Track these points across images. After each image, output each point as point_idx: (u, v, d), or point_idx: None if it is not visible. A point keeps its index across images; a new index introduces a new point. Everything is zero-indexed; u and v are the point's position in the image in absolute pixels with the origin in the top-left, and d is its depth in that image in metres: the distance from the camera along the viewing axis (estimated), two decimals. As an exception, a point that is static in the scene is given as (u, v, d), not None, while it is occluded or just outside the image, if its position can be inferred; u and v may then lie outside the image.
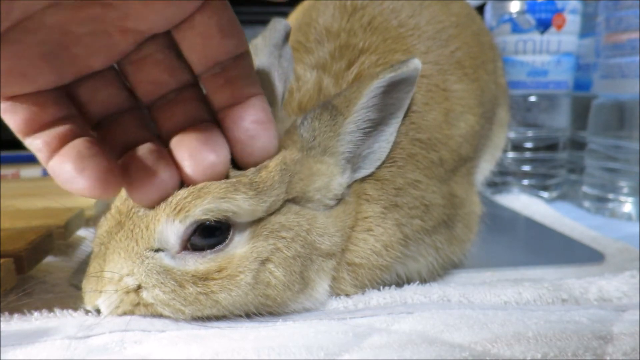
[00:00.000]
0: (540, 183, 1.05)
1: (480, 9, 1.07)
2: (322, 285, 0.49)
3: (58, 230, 0.65)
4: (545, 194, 1.04)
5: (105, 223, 0.46)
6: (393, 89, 0.49)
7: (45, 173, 1.27)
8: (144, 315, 0.44)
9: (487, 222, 0.67)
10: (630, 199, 0.91)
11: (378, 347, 0.39)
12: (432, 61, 0.59)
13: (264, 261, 0.44)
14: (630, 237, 0.78)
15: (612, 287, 0.53)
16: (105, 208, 0.48)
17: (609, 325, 0.42)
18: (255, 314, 0.45)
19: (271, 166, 0.45)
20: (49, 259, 0.66)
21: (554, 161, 1.05)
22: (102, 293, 0.44)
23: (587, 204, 0.98)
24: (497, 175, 1.04)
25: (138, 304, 0.43)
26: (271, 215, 0.45)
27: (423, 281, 0.57)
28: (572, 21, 0.98)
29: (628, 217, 0.91)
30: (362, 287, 0.52)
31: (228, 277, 0.43)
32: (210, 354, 0.38)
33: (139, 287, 0.43)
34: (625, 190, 0.91)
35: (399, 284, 0.55)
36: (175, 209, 0.42)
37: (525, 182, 1.05)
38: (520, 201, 0.99)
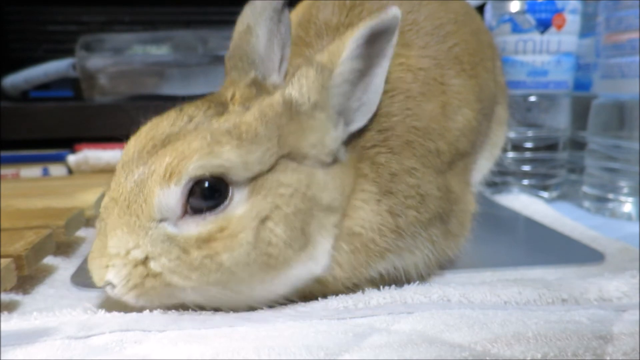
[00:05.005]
0: (540, 183, 1.05)
1: (480, 9, 1.07)
2: (323, 245, 0.48)
3: (58, 230, 0.65)
4: (545, 194, 1.04)
5: (104, 201, 0.46)
6: (375, 38, 0.49)
7: (45, 173, 1.27)
8: (144, 315, 0.44)
9: (487, 222, 0.67)
10: (630, 199, 0.91)
11: (378, 347, 0.39)
12: (429, 55, 0.60)
13: (264, 220, 0.44)
14: (630, 237, 0.78)
15: (612, 287, 0.53)
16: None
17: (609, 325, 0.42)
18: (259, 274, 0.45)
19: (249, 119, 0.45)
20: (49, 259, 0.67)
21: (554, 161, 1.05)
22: (110, 267, 0.44)
23: (587, 204, 0.98)
24: (497, 175, 1.03)
25: (147, 275, 0.44)
26: (268, 172, 0.46)
27: (420, 275, 0.57)
28: (572, 21, 0.98)
29: (628, 217, 0.91)
30: (358, 266, 0.51)
31: (230, 237, 0.43)
32: (210, 354, 0.38)
33: (146, 258, 0.43)
34: (625, 190, 0.91)
35: (398, 278, 0.55)
36: (165, 175, 0.42)
37: (525, 182, 1.05)
38: (520, 201, 0.99)
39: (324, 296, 0.52)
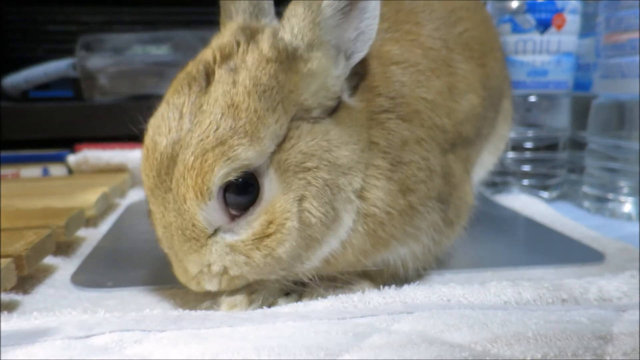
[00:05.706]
0: (540, 183, 1.05)
1: (480, 9, 1.07)
2: (346, 221, 0.49)
3: (58, 230, 0.65)
4: (545, 194, 1.04)
5: (158, 230, 0.48)
6: None
7: (45, 173, 1.27)
8: (144, 315, 0.44)
9: (487, 222, 0.67)
10: (630, 199, 0.91)
11: (378, 347, 0.39)
12: (440, 38, 0.60)
13: (301, 200, 0.46)
14: (630, 237, 0.78)
15: (612, 287, 0.53)
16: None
17: (609, 325, 0.42)
18: (304, 256, 0.48)
19: (242, 95, 0.44)
20: (49, 259, 0.67)
21: (554, 161, 1.05)
22: (203, 282, 0.48)
23: (587, 204, 0.98)
24: (497, 175, 1.04)
25: (232, 278, 0.48)
26: (285, 143, 0.46)
27: (416, 267, 0.58)
28: (572, 21, 0.98)
29: (628, 217, 0.91)
30: (364, 254, 0.51)
31: (279, 228, 0.45)
32: (210, 354, 0.37)
33: (225, 268, 0.47)
34: (625, 190, 0.91)
35: (396, 270, 0.56)
36: (197, 197, 0.43)
37: (525, 182, 1.05)
38: (520, 201, 0.99)
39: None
